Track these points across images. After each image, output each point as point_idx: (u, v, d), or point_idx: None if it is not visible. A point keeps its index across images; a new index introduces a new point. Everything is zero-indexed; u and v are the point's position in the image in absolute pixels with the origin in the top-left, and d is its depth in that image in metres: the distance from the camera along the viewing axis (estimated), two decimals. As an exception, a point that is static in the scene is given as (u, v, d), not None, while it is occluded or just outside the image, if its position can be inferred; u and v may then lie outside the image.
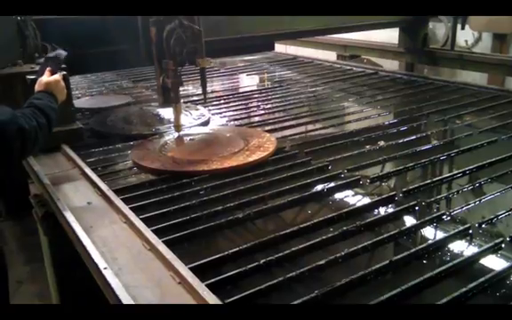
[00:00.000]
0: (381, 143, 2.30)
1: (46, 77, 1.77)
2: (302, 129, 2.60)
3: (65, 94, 1.82)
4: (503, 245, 1.41)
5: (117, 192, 1.66)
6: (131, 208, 1.53)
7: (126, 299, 1.07)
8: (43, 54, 2.10)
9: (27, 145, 1.51)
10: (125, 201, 1.60)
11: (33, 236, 2.01)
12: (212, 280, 1.23)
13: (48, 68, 1.82)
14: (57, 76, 1.80)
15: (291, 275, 1.29)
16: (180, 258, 1.23)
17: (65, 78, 1.95)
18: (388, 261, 1.33)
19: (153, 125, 2.53)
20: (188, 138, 2.33)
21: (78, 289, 1.66)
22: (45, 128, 1.60)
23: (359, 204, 1.73)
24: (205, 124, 2.61)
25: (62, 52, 1.95)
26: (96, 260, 1.22)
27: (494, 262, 1.36)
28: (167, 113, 2.60)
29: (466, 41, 4.95)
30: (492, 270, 1.30)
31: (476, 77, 3.99)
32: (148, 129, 2.48)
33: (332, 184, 1.86)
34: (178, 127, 2.30)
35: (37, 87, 1.75)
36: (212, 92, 3.40)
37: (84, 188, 1.72)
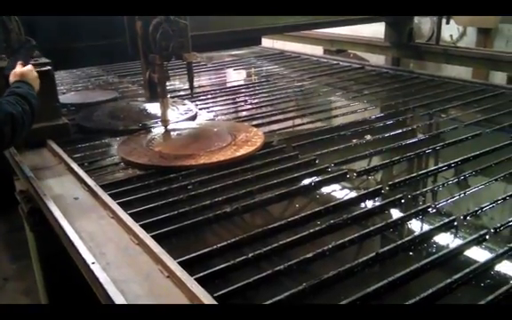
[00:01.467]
0: (368, 137, 2.31)
1: (19, 68, 1.79)
2: (289, 123, 2.61)
3: (39, 84, 1.84)
4: (487, 237, 1.44)
5: (104, 187, 1.65)
6: (118, 203, 1.53)
7: (114, 293, 1.07)
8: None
9: (16, 130, 1.54)
10: (113, 196, 1.59)
11: (19, 233, 1.99)
12: (201, 274, 1.23)
13: (19, 61, 1.83)
14: (29, 66, 1.83)
15: (279, 268, 1.30)
16: (168, 252, 1.23)
17: (49, 73, 1.94)
18: (374, 253, 1.35)
19: (140, 120, 2.52)
20: (176, 133, 2.33)
21: (66, 285, 1.65)
22: (29, 114, 1.63)
23: (346, 198, 1.74)
24: (192, 118, 2.61)
25: (30, 43, 1.97)
26: (84, 255, 1.22)
27: (479, 254, 1.38)
28: (154, 108, 2.59)
29: (451, 35, 5.00)
30: (476, 261, 1.33)
31: (461, 71, 4.03)
32: (134, 124, 2.46)
33: (320, 178, 1.88)
34: (165, 122, 2.29)
35: (12, 78, 1.77)
36: (199, 86, 3.39)
37: (71, 184, 1.71)
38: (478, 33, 4.91)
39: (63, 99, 2.85)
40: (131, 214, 1.46)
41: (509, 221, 1.52)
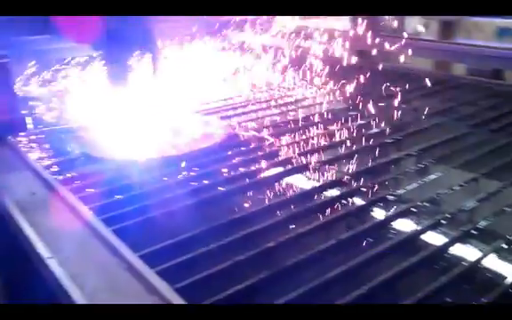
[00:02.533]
0: (331, 127, 2.34)
1: None
2: (253, 115, 2.61)
3: None
4: (443, 222, 1.48)
5: (63, 182, 1.62)
6: (78, 197, 1.49)
7: (72, 288, 1.05)
8: None
9: None
10: (73, 191, 1.56)
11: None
12: (161, 267, 1.22)
13: None
14: None
15: (239, 258, 1.30)
16: (128, 246, 1.22)
17: (5, 65, 1.88)
18: (335, 241, 1.37)
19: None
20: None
21: (23, 282, 1.61)
22: None
23: (308, 188, 1.76)
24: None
25: None
26: (39, 250, 1.19)
27: (435, 237, 1.42)
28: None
29: (414, 28, 5.09)
30: (432, 245, 1.37)
31: (424, 63, 4.11)
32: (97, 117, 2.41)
33: (282, 169, 1.89)
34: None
35: None
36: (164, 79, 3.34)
37: (28, 179, 1.66)
38: (440, 25, 5.01)
39: (24, 91, 2.78)
40: (90, 208, 1.44)
41: (464, 206, 1.56)
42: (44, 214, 1.41)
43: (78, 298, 1.03)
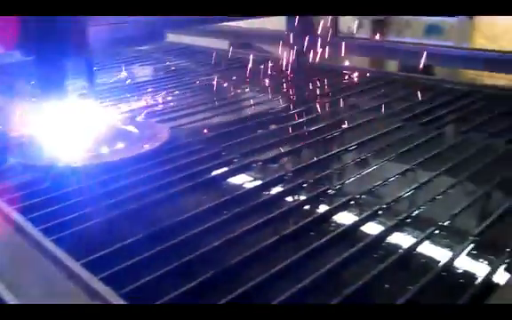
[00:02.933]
0: (273, 127, 2.39)
1: None
2: (196, 118, 2.61)
3: None
4: (380, 212, 1.56)
5: (-1, 193, 1.56)
6: (15, 208, 1.44)
7: (11, 298, 1.02)
8: None
9: None
10: (9, 202, 1.50)
11: None
12: (105, 273, 1.21)
13: None
14: None
15: (187, 258, 1.31)
16: (69, 254, 1.19)
17: None
18: (278, 236, 1.41)
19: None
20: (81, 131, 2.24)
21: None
22: None
23: (251, 186, 1.79)
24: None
25: None
26: (-25, 265, 1.15)
27: (373, 227, 1.49)
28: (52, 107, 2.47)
29: (349, 27, 5.27)
30: (370, 235, 1.43)
31: (359, 61, 4.26)
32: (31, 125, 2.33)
33: (226, 169, 1.91)
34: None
35: None
36: (103, 84, 3.28)
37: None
38: (373, 24, 5.23)
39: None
40: (29, 219, 1.39)
41: (399, 196, 1.65)
42: (-21, 228, 1.36)
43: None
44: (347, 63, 4.01)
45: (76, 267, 1.15)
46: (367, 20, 5.25)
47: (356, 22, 5.26)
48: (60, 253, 1.20)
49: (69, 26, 2.06)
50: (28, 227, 1.33)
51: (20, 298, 1.02)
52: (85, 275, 1.12)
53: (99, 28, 2.28)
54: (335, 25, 4.11)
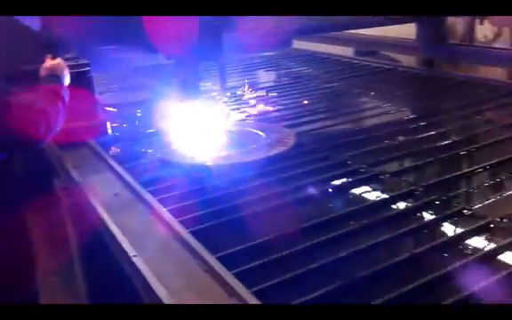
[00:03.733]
0: (400, 138, 2.31)
1: (49, 63, 1.83)
2: (320, 124, 2.62)
3: (69, 77, 1.87)
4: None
5: (143, 184, 1.70)
6: (157, 199, 1.57)
7: (157, 286, 1.11)
8: None
9: (50, 126, 1.57)
10: (151, 193, 1.64)
11: (60, 227, 2.07)
12: (238, 269, 1.26)
13: (48, 56, 1.88)
14: (59, 60, 1.87)
15: (311, 266, 1.32)
16: (206, 248, 1.27)
17: (88, 74, 2.01)
18: (408, 254, 1.36)
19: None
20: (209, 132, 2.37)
21: (104, 278, 1.71)
22: (62, 109, 1.67)
23: (379, 199, 1.75)
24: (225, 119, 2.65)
25: (58, 39, 2.02)
26: (126, 248, 1.27)
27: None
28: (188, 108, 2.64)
29: (485, 36, 4.90)
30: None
31: (497, 72, 3.96)
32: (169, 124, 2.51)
33: (352, 179, 1.89)
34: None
35: (43, 72, 1.81)
36: (232, 88, 3.43)
37: (111, 181, 1.77)
38: (514, 33, 4.80)
39: (99, 99, 2.94)
40: (169, 210, 1.51)
41: (546, 225, 1.50)
42: (127, 215, 1.50)
43: (164, 296, 1.09)
44: (483, 74, 3.75)
45: (211, 260, 1.23)
46: (507, 28, 4.85)
47: (495, 31, 4.88)
48: (197, 245, 1.29)
49: (207, 31, 2.19)
50: (168, 216, 1.45)
51: (166, 288, 1.11)
52: (220, 269, 1.19)
53: (231, 35, 2.39)
54: (471, 33, 3.85)
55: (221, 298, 1.11)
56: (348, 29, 4.02)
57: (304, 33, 3.81)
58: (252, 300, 1.08)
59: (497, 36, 4.95)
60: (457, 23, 5.01)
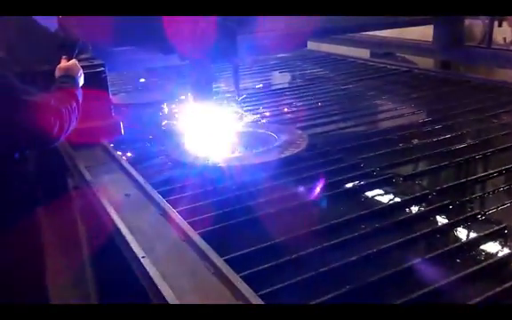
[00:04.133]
0: (415, 141, 2.28)
1: (64, 63, 1.84)
2: (334, 126, 2.60)
3: (83, 78, 1.88)
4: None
5: (154, 185, 1.70)
6: (167, 200, 1.57)
7: (163, 287, 1.11)
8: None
9: (63, 126, 1.58)
10: (162, 194, 1.64)
11: (72, 226, 2.08)
12: (246, 272, 1.25)
13: (64, 57, 1.89)
14: (74, 61, 1.87)
15: (322, 270, 1.30)
16: (214, 249, 1.26)
17: (103, 74, 2.03)
18: (420, 259, 1.33)
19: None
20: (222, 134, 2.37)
21: (114, 278, 1.72)
22: (75, 110, 1.67)
23: (391, 202, 1.73)
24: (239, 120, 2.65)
25: (73, 40, 2.03)
26: (134, 249, 1.27)
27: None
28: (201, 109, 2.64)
29: (504, 38, 4.82)
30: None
31: (514, 76, 3.88)
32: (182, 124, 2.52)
33: (365, 181, 1.87)
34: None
35: (58, 73, 1.81)
36: (244, 89, 3.42)
37: (122, 181, 1.78)
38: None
39: (114, 99, 2.96)
40: (179, 211, 1.51)
41: None
42: (137, 215, 1.51)
43: (170, 298, 1.08)
44: (500, 77, 3.68)
45: (219, 262, 1.22)
46: (527, 30, 4.75)
47: (514, 33, 4.80)
48: (205, 247, 1.28)
49: (221, 33, 2.19)
50: (178, 218, 1.44)
51: (173, 289, 1.11)
52: (228, 271, 1.18)
53: (246, 36, 2.38)
54: (489, 35, 3.79)
55: (228, 301, 1.10)
56: (363, 31, 3.98)
57: (319, 34, 3.78)
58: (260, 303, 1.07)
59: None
60: (475, 25, 4.94)
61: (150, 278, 1.15)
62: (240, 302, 1.08)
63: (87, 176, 1.81)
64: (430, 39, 3.99)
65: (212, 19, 2.12)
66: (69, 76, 1.79)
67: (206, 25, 2.13)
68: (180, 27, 2.26)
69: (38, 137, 1.55)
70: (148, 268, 1.18)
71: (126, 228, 1.38)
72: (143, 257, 1.24)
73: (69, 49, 1.98)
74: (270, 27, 2.77)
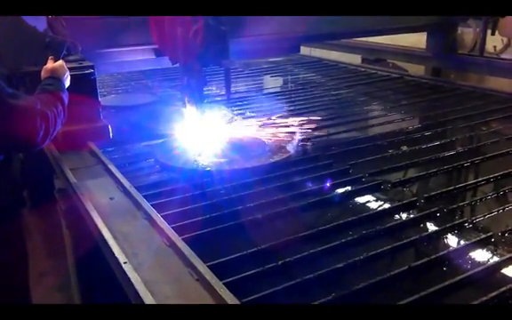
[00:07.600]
0: (404, 148, 2.27)
1: (50, 64, 1.81)
2: (324, 132, 2.59)
3: (69, 79, 1.85)
4: (527, 256, 1.39)
5: (139, 189, 1.68)
6: (152, 205, 1.55)
7: (145, 293, 1.09)
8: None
9: (49, 129, 1.55)
10: (147, 198, 1.62)
11: (57, 229, 2.05)
12: (230, 279, 1.24)
13: (50, 57, 1.86)
14: (60, 62, 1.84)
15: (308, 277, 1.29)
16: (198, 255, 1.24)
17: (91, 76, 2.00)
18: (407, 267, 1.32)
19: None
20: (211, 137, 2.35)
21: (98, 282, 1.69)
22: (61, 113, 1.64)
23: (380, 209, 1.72)
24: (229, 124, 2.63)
25: (60, 40, 2.01)
26: (117, 255, 1.25)
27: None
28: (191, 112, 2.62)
29: (494, 47, 4.85)
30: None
31: (505, 84, 3.90)
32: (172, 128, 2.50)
33: (353, 188, 1.86)
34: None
35: (44, 74, 1.78)
36: (236, 92, 3.41)
37: (108, 184, 1.75)
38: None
39: (103, 101, 2.93)
40: (163, 216, 1.48)
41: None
42: (121, 220, 1.48)
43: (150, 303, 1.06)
44: (491, 85, 3.69)
45: (203, 268, 1.20)
46: (516, 39, 4.78)
47: (504, 42, 4.83)
48: (189, 253, 1.26)
49: (212, 36, 2.18)
50: (162, 223, 1.42)
51: (154, 296, 1.09)
52: (211, 278, 1.16)
53: (238, 40, 2.37)
54: (482, 43, 3.80)
55: (211, 308, 1.08)
56: (356, 37, 3.99)
57: (312, 39, 3.78)
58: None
59: (506, 46, 4.89)
60: (465, 33, 4.97)
61: (132, 285, 1.13)
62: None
63: (72, 179, 1.78)
64: (422, 46, 4.00)
65: (204, 22, 2.11)
66: (55, 78, 1.76)
67: (197, 28, 2.12)
68: (170, 30, 2.25)
69: (23, 141, 1.52)
70: (129, 274, 1.16)
71: (109, 233, 1.36)
72: (125, 262, 1.21)
73: (56, 49, 1.95)
74: (263, 30, 2.77)
